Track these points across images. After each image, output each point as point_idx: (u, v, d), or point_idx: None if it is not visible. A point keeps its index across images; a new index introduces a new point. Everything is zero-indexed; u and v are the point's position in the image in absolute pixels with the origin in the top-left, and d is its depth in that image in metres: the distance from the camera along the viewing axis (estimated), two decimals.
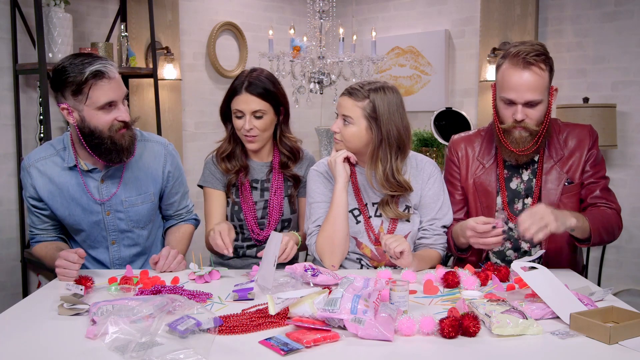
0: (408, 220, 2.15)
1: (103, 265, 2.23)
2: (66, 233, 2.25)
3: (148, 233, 2.27)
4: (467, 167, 2.22)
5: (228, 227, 2.11)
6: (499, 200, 2.16)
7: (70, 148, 2.11)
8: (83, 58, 1.98)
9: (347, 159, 2.13)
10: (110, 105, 1.99)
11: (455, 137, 2.30)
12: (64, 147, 2.13)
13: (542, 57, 1.99)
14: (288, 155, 2.36)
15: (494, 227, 1.92)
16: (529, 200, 2.13)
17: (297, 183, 2.35)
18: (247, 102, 2.23)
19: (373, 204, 2.17)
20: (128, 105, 2.09)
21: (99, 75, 1.94)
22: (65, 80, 1.95)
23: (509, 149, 2.06)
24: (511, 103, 2.02)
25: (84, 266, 2.28)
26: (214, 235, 2.06)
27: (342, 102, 2.11)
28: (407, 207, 2.16)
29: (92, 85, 1.94)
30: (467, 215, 2.21)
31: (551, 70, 2.03)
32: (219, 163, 2.33)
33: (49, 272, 3.37)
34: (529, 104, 2.00)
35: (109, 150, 2.02)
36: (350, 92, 2.10)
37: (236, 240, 2.35)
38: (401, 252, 1.94)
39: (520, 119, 2.00)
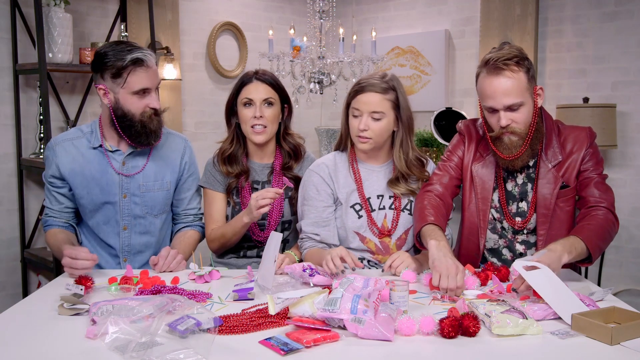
0: (411, 214, 2.18)
1: (113, 250, 2.24)
2: (79, 218, 2.28)
3: (161, 223, 2.29)
4: (471, 153, 2.18)
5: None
6: (495, 196, 2.13)
7: (98, 131, 2.22)
8: (125, 45, 2.11)
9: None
10: (144, 92, 2.11)
11: (467, 120, 2.26)
12: (92, 131, 2.24)
13: (514, 60, 1.96)
14: (290, 153, 2.38)
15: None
16: (523, 204, 2.10)
17: (299, 184, 2.35)
18: (257, 90, 2.29)
19: (378, 196, 2.18)
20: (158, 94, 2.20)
21: (138, 62, 2.08)
22: (106, 63, 2.08)
23: (502, 156, 2.04)
24: (493, 111, 2.00)
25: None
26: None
27: (370, 98, 2.08)
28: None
29: (131, 71, 2.07)
30: (461, 204, 2.20)
31: (528, 71, 1.98)
32: (220, 165, 2.33)
33: (49, 272, 3.37)
34: (510, 108, 1.97)
35: (139, 133, 2.14)
36: (376, 87, 2.08)
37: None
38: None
39: (504, 125, 1.98)
